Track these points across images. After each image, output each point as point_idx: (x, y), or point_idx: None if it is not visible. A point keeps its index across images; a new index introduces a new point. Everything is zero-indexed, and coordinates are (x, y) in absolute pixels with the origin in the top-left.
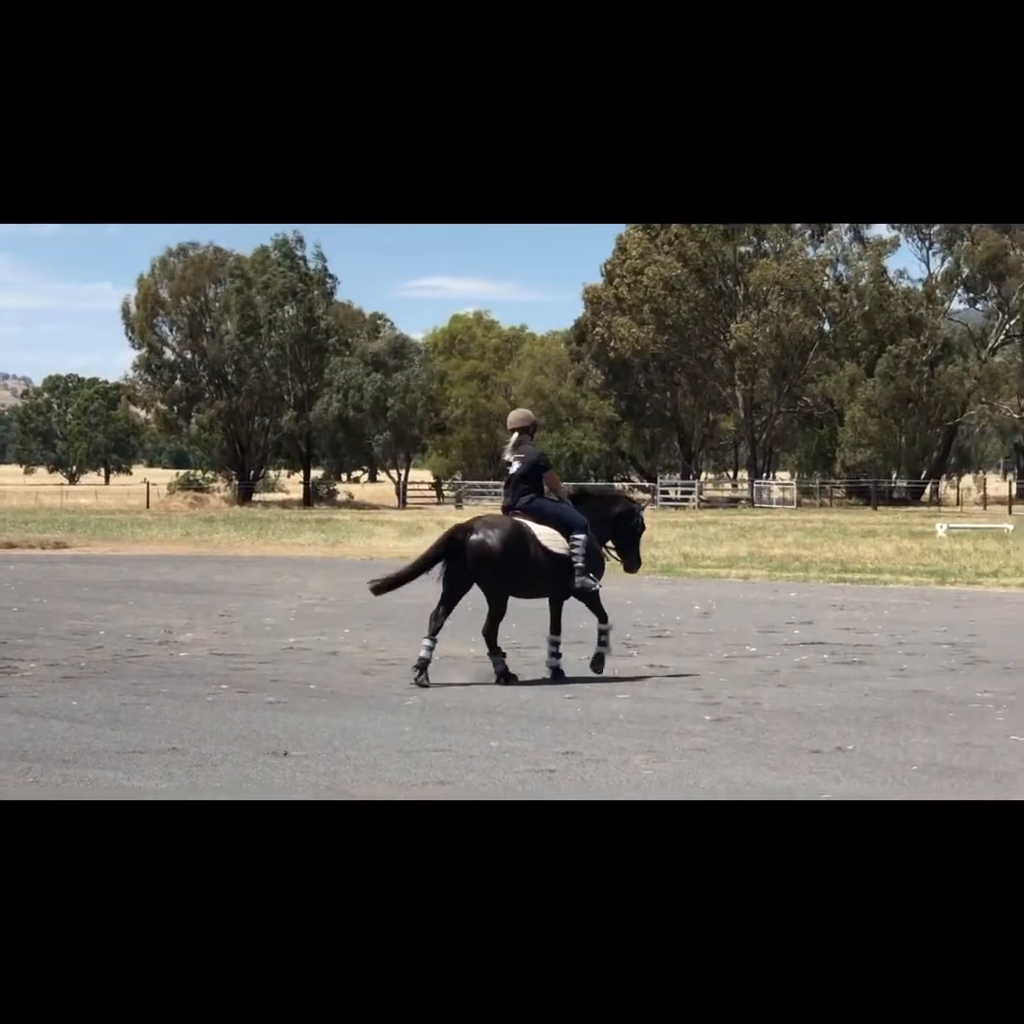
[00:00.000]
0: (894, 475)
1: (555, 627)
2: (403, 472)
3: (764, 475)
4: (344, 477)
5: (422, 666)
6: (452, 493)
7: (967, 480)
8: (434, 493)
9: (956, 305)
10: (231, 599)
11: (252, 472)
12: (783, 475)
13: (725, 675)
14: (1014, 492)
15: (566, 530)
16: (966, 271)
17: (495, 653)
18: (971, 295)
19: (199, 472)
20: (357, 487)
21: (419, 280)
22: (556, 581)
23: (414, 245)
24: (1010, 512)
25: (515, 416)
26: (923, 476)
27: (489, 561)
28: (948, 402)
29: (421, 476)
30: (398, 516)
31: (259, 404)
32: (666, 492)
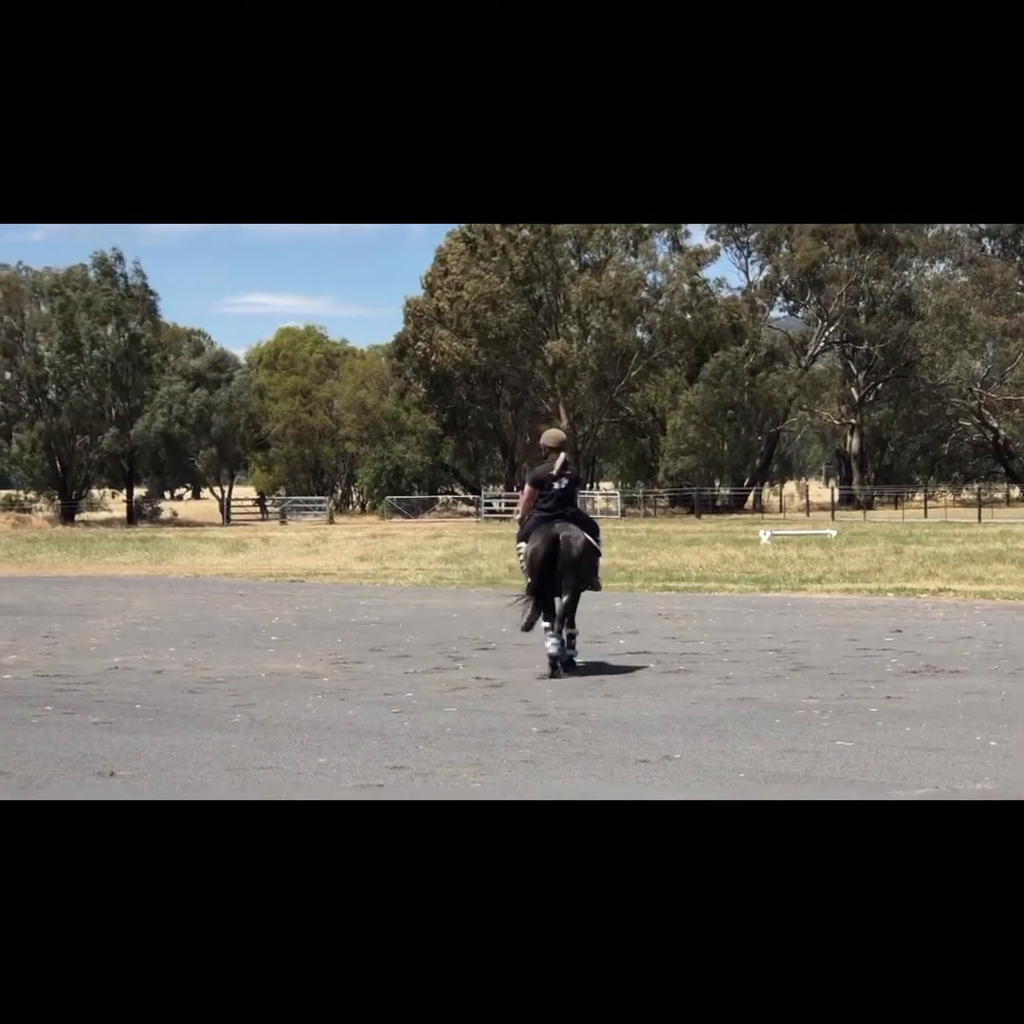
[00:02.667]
0: (717, 483)
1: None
2: (227, 489)
3: (588, 485)
4: (168, 495)
5: (554, 663)
6: (276, 509)
7: (790, 487)
8: (258, 509)
9: (776, 313)
10: (55, 620)
11: (75, 492)
12: (606, 485)
13: (551, 686)
14: (836, 498)
15: (593, 536)
16: (785, 278)
17: (560, 635)
18: (791, 303)
19: (21, 493)
20: (181, 505)
21: (238, 296)
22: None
23: (231, 261)
24: (833, 518)
25: (555, 436)
26: (746, 484)
27: (588, 556)
28: (770, 409)
29: (245, 493)
30: (223, 533)
31: (80, 423)
32: (490, 504)
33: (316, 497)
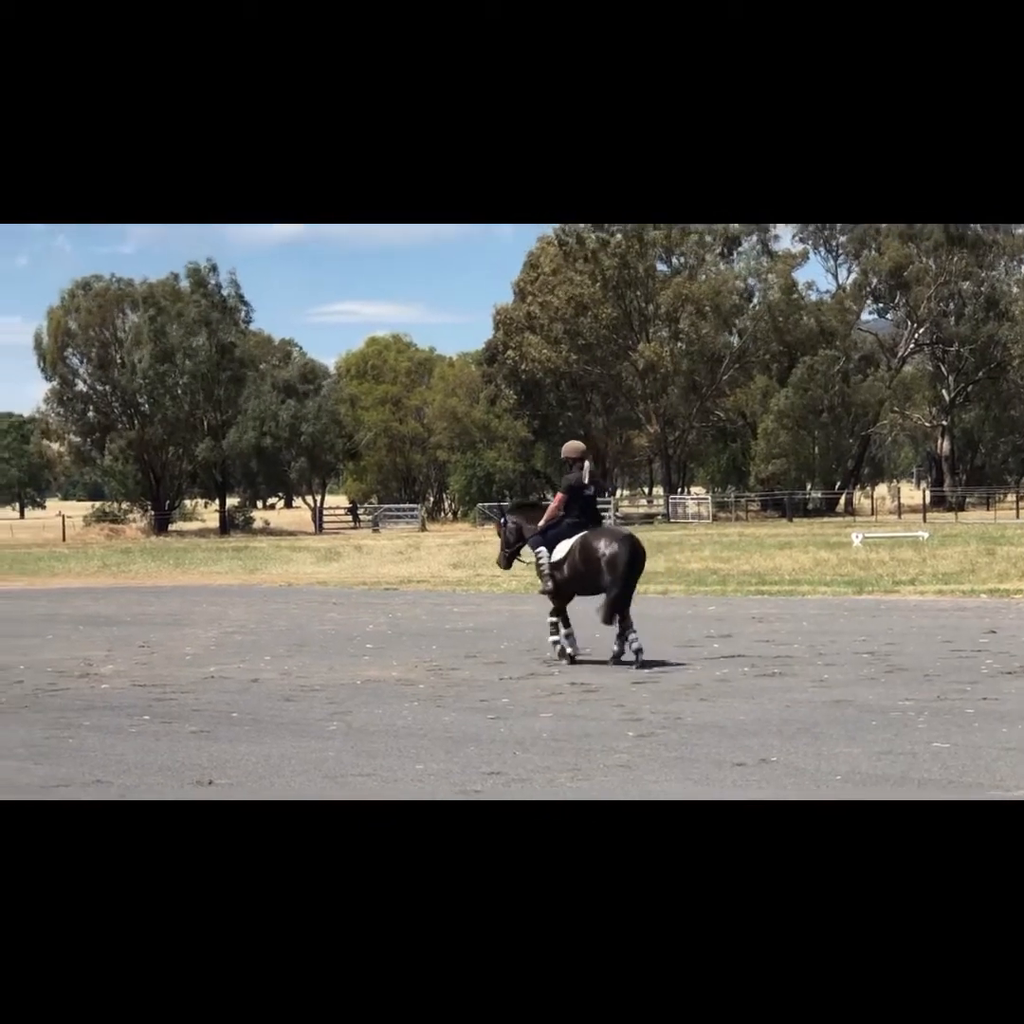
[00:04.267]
0: (808, 487)
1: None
2: (319, 498)
3: (679, 490)
4: (260, 504)
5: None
6: (369, 517)
7: (881, 489)
8: (350, 517)
9: (866, 315)
10: (151, 630)
11: (167, 502)
12: (698, 490)
13: (647, 691)
14: (927, 500)
15: None
16: (874, 281)
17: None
18: (880, 305)
19: (114, 504)
20: (273, 514)
21: (328, 305)
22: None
23: (323, 271)
24: (924, 520)
25: (576, 447)
26: (837, 487)
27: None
28: (861, 412)
29: (337, 501)
30: (315, 542)
31: (173, 433)
32: None
33: (408, 505)
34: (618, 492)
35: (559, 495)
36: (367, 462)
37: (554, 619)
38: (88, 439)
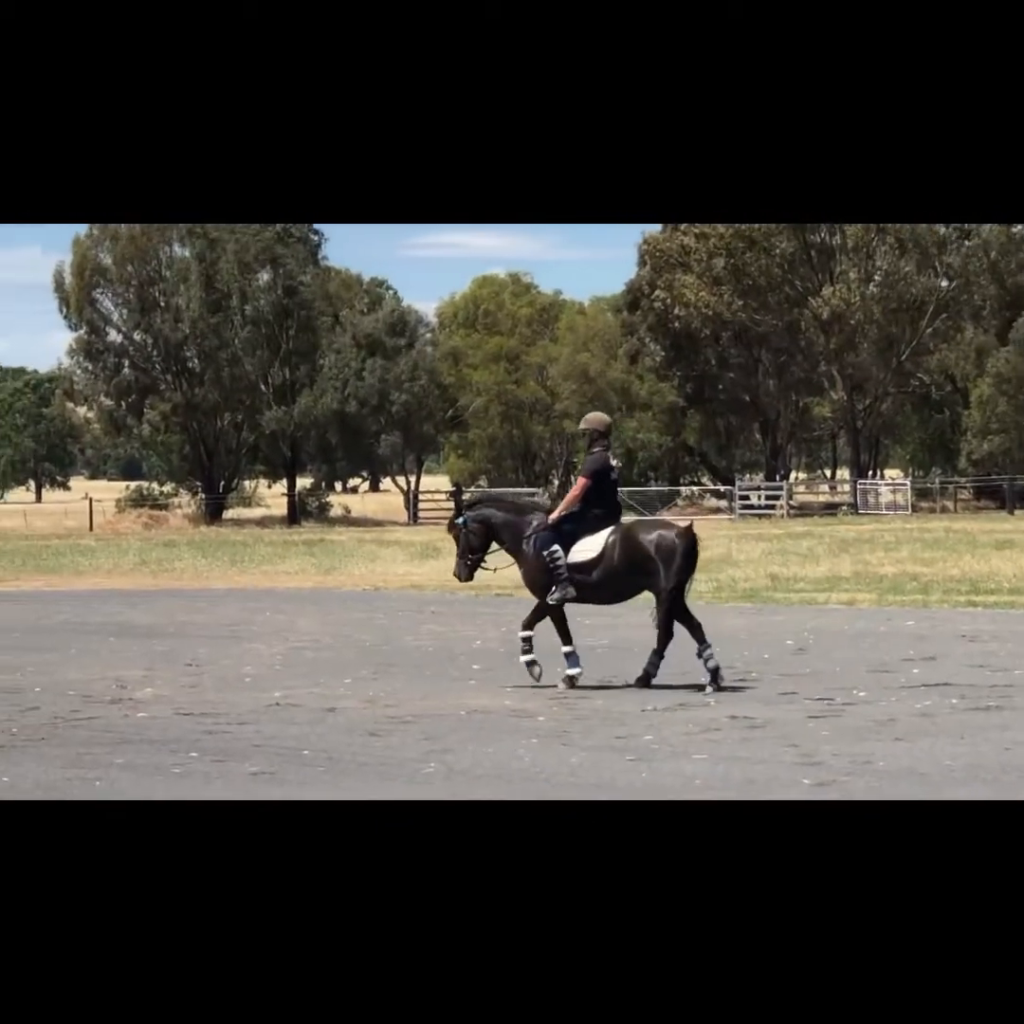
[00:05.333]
0: None
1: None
2: (413, 479)
3: (870, 474)
4: (339, 487)
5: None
6: None
7: None
8: (453, 504)
9: None
10: (200, 644)
11: (222, 483)
12: (894, 473)
13: (827, 727)
14: None
15: None
16: None
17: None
18: None
19: (155, 484)
20: (356, 499)
21: (429, 236)
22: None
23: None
24: None
25: (602, 419)
26: None
27: None
28: None
29: (436, 483)
30: (409, 534)
31: (229, 397)
32: (746, 497)
33: (526, 488)
34: (792, 475)
35: (582, 480)
36: (475, 435)
37: (530, 634)
38: (123, 402)
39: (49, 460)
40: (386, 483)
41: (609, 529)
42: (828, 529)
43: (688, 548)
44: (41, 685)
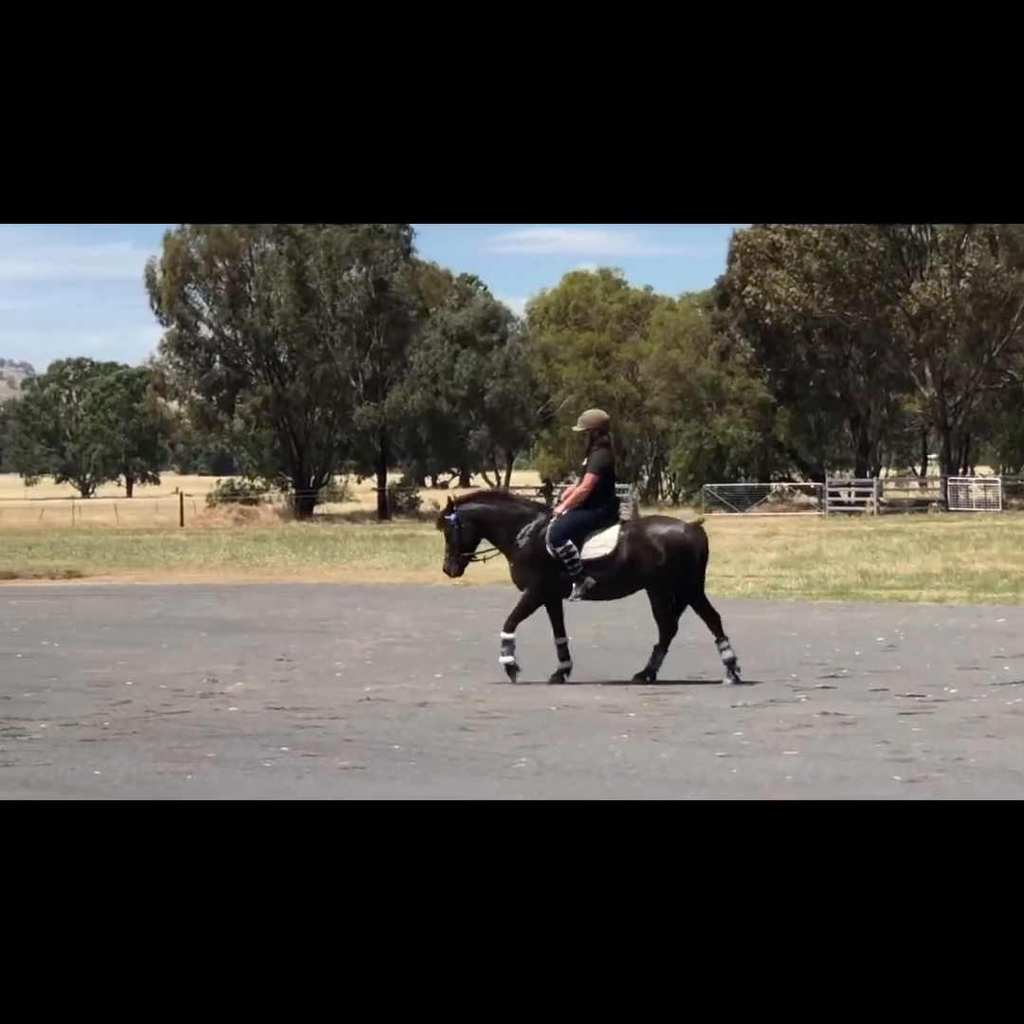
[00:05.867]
0: None
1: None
2: (504, 474)
3: (961, 470)
4: (429, 482)
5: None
6: None
7: None
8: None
9: None
10: (291, 638)
11: (312, 478)
12: (984, 470)
13: (918, 724)
14: None
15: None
16: None
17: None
18: None
19: (246, 479)
20: (446, 494)
21: (518, 232)
22: None
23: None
24: None
25: (601, 417)
26: None
27: None
28: None
29: (527, 479)
30: None
31: (319, 392)
32: (836, 493)
33: (618, 485)
34: (882, 471)
35: (590, 476)
36: (565, 430)
37: (511, 636)
38: (213, 398)
39: (140, 455)
40: (476, 479)
41: (618, 525)
42: (918, 526)
43: (700, 544)
44: (132, 679)
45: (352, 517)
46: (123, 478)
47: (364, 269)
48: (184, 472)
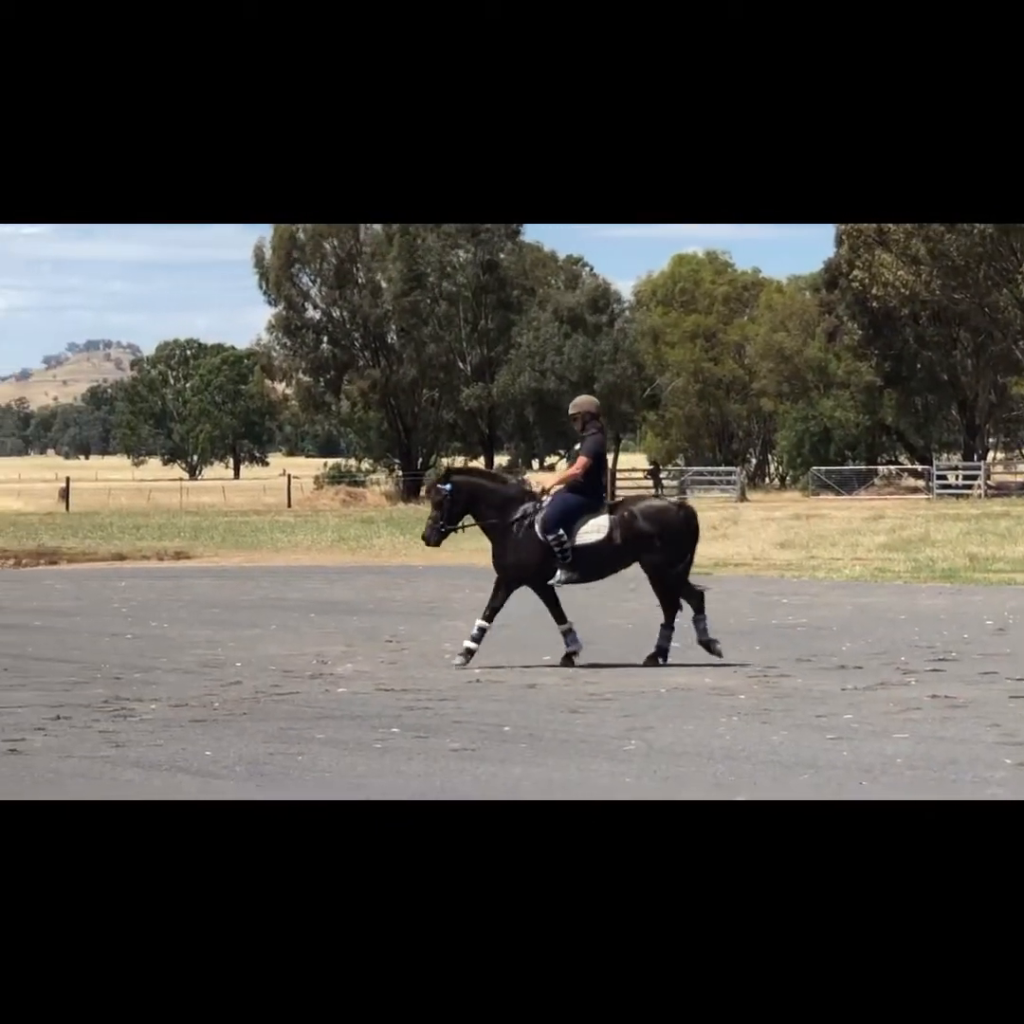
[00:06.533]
0: None
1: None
2: (611, 457)
3: None
4: (536, 464)
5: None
6: (674, 482)
7: None
8: (651, 482)
9: None
10: (400, 620)
11: (419, 460)
12: None
13: None
14: None
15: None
16: None
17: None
18: None
19: (353, 461)
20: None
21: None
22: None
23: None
24: None
25: (593, 401)
26: None
27: None
28: None
29: (634, 461)
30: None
31: (427, 374)
32: (944, 476)
33: (724, 468)
34: (990, 454)
35: (583, 459)
36: (672, 413)
37: (487, 625)
38: (321, 379)
39: (247, 437)
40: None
41: (608, 508)
42: None
43: (691, 522)
44: (242, 660)
45: None
46: (230, 459)
47: (473, 250)
48: (291, 454)
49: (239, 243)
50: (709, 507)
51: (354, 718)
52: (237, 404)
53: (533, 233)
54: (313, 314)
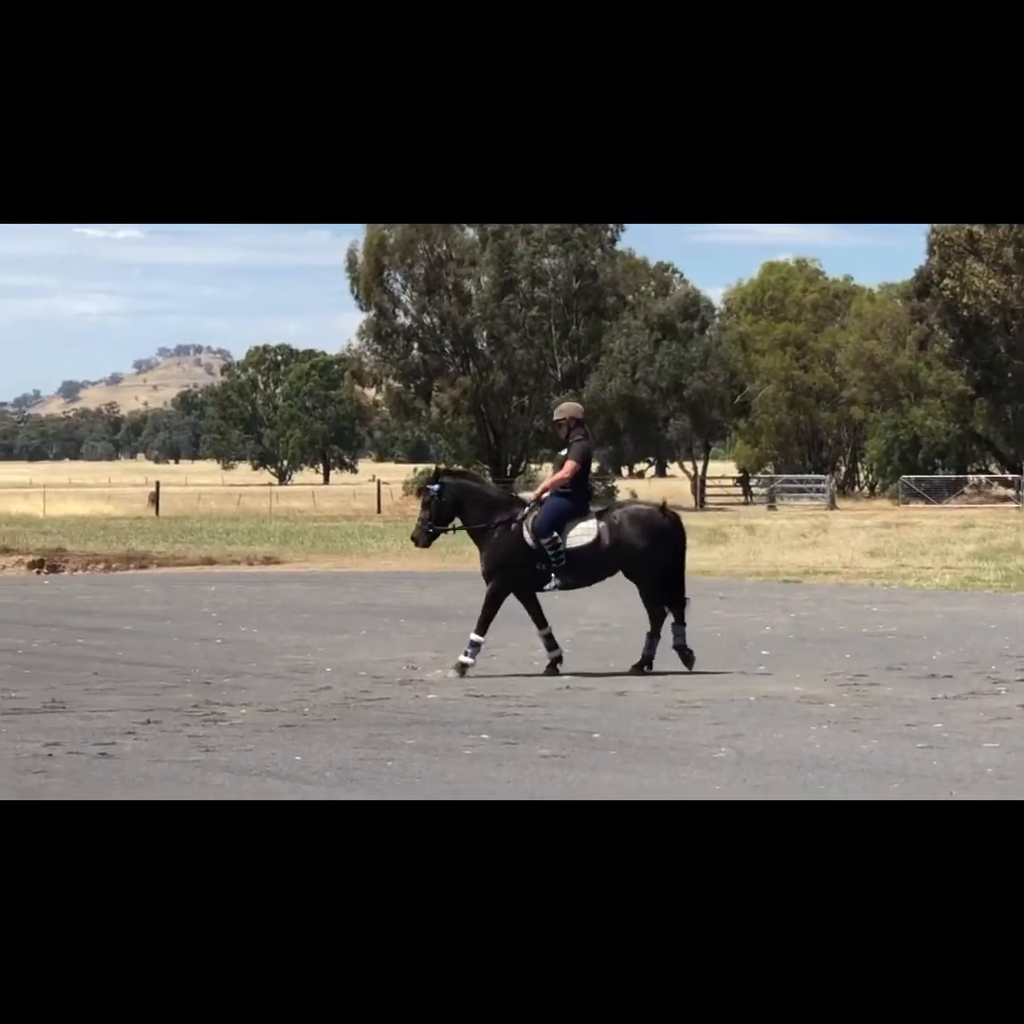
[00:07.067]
0: None
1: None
2: (700, 464)
3: None
4: (625, 471)
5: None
6: (763, 490)
7: None
8: (740, 490)
9: None
10: (490, 626)
11: (510, 466)
12: None
13: None
14: None
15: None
16: None
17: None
18: None
19: (443, 467)
20: (642, 484)
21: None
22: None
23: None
24: None
25: (578, 408)
26: None
27: None
28: None
29: (723, 469)
30: (696, 519)
31: (517, 380)
32: None
33: (813, 476)
34: None
35: (571, 463)
36: (762, 421)
37: (481, 639)
38: (411, 385)
39: (337, 442)
40: (672, 468)
41: (596, 513)
42: None
43: (677, 527)
44: (331, 665)
45: None
46: (320, 465)
47: (564, 256)
48: (381, 459)
49: (331, 248)
50: (798, 515)
51: (444, 724)
52: (327, 409)
53: (624, 240)
54: (404, 320)
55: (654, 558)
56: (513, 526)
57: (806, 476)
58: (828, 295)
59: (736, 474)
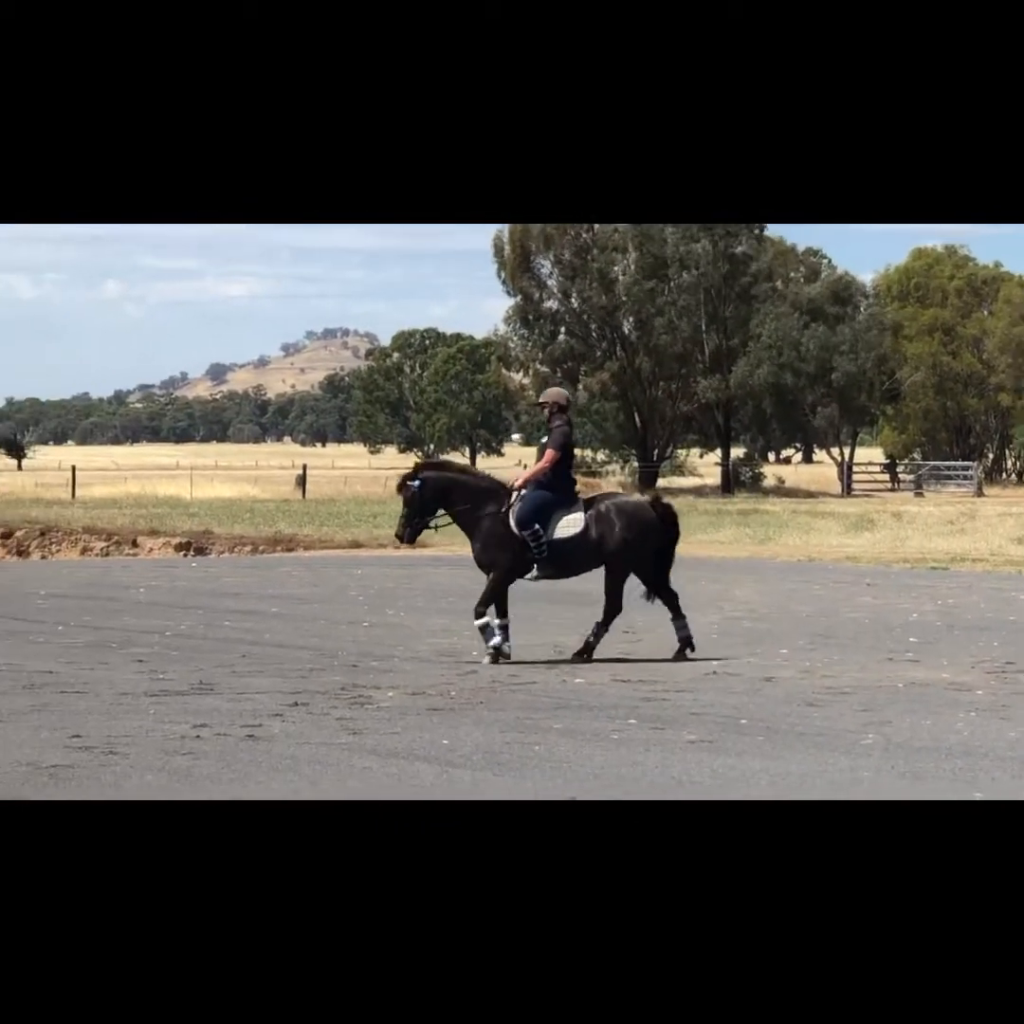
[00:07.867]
0: None
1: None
2: (848, 451)
3: None
4: (772, 457)
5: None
6: (910, 476)
7: None
8: (887, 476)
9: None
10: (635, 611)
11: (656, 451)
12: None
13: None
14: None
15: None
16: None
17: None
18: None
19: (589, 451)
20: (789, 469)
21: None
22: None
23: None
24: None
25: (563, 393)
26: None
27: None
28: None
29: (870, 455)
30: (842, 506)
31: (664, 365)
32: None
33: (961, 462)
34: None
35: (551, 452)
36: (910, 407)
37: (487, 621)
38: (558, 370)
39: (484, 426)
40: (819, 454)
41: (584, 503)
42: None
43: (667, 520)
44: (478, 649)
45: (696, 490)
46: (466, 448)
47: (714, 241)
48: (527, 443)
49: (478, 231)
50: (946, 502)
51: (590, 709)
52: (474, 393)
53: (774, 226)
54: (551, 305)
55: (638, 551)
56: (501, 513)
57: (954, 463)
58: (976, 281)
59: (883, 460)
